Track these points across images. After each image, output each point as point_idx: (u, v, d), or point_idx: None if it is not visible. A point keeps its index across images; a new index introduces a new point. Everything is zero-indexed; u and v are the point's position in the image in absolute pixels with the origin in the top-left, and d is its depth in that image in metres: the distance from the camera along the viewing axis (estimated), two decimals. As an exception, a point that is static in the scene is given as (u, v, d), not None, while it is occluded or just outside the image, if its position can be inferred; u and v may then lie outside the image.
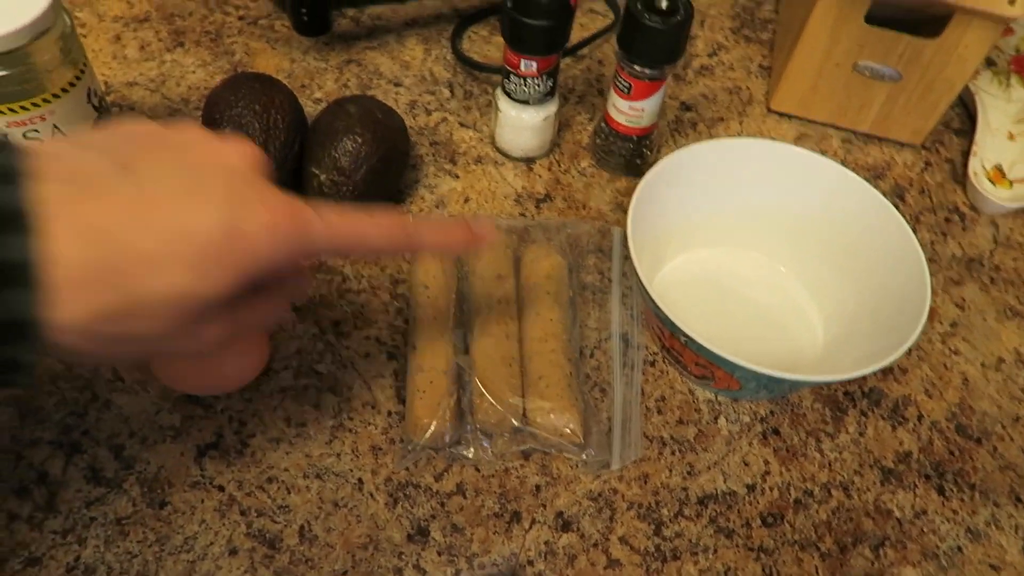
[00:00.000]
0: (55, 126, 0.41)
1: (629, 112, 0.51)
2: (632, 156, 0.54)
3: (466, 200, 0.53)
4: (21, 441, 0.40)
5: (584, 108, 0.59)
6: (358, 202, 0.47)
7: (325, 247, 0.31)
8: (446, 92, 0.58)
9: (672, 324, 0.39)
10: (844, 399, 0.46)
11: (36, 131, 0.40)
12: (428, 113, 0.57)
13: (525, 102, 0.51)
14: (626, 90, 0.50)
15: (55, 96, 0.40)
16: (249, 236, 0.27)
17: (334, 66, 0.59)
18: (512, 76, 0.50)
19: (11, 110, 0.39)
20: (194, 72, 0.57)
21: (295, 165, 0.49)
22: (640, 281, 0.41)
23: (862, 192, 0.46)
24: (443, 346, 0.43)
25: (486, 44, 0.62)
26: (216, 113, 0.47)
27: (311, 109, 0.54)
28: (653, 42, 0.46)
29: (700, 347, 0.39)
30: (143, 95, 0.55)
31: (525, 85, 0.50)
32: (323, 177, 0.47)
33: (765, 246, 0.51)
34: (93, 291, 0.25)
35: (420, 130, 0.56)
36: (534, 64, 0.48)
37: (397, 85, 0.58)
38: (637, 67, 0.48)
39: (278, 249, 0.28)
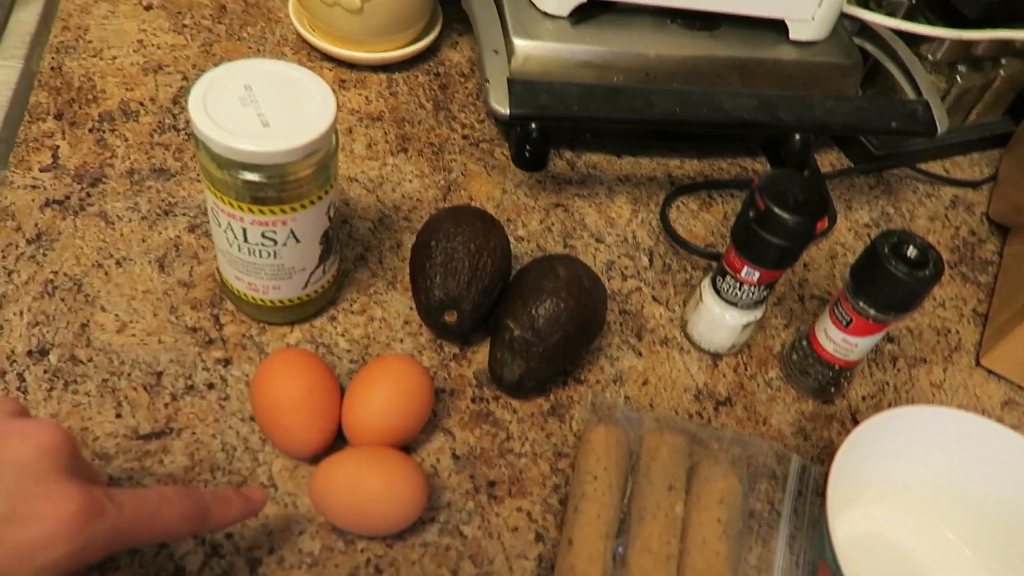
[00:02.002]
0: (292, 231, 0.42)
1: (841, 343, 0.48)
2: (826, 383, 0.51)
3: (645, 382, 0.51)
4: (168, 527, 0.40)
5: (781, 312, 0.56)
6: (545, 364, 0.46)
7: (121, 529, 0.29)
8: (645, 260, 0.57)
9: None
10: None
11: (274, 231, 0.41)
12: (624, 278, 0.56)
13: (733, 304, 0.49)
14: (845, 323, 0.47)
15: (302, 207, 0.41)
16: (28, 534, 0.27)
17: (542, 206, 0.59)
18: (728, 276, 0.48)
19: (260, 211, 0.40)
20: (411, 181, 0.58)
21: (490, 310, 0.48)
22: (832, 550, 0.37)
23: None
24: (601, 551, 0.40)
25: (694, 219, 0.61)
26: (432, 239, 0.48)
27: (513, 246, 0.54)
28: (892, 289, 0.44)
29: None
30: (359, 193, 0.56)
31: (739, 289, 0.48)
32: (516, 332, 0.46)
33: (953, 523, 0.46)
34: None
35: (613, 294, 0.55)
36: (757, 274, 0.47)
37: (599, 241, 0.58)
38: (864, 305, 0.46)
39: (69, 540, 0.28)
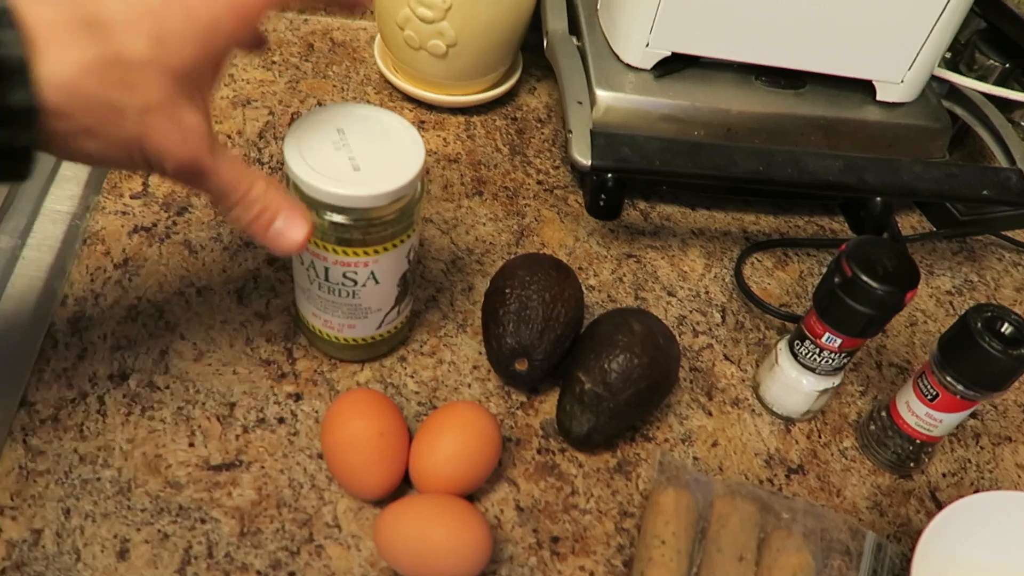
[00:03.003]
0: (372, 273, 0.42)
1: (924, 418, 0.46)
2: (906, 457, 0.49)
3: (714, 444, 0.49)
4: (234, 561, 0.40)
5: (858, 378, 0.55)
6: (614, 420, 0.45)
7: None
8: (718, 316, 0.56)
9: None
10: None
11: (355, 272, 0.42)
12: (695, 334, 0.55)
13: (811, 369, 0.48)
14: (930, 397, 0.45)
15: (384, 249, 0.41)
16: (197, 8, 0.30)
17: (614, 256, 0.59)
18: (807, 341, 0.47)
19: (344, 252, 0.40)
20: (484, 224, 0.58)
21: (560, 361, 0.48)
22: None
23: None
24: (666, 621, 0.39)
25: (768, 276, 0.60)
26: (507, 285, 0.47)
27: (584, 295, 0.53)
28: (983, 367, 0.42)
29: None
30: (434, 234, 0.57)
31: (818, 355, 0.47)
32: (588, 385, 0.45)
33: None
34: (75, 46, 0.27)
35: (683, 350, 0.54)
36: (839, 341, 0.45)
37: (671, 294, 0.57)
38: (952, 381, 0.44)
39: (232, 8, 0.31)
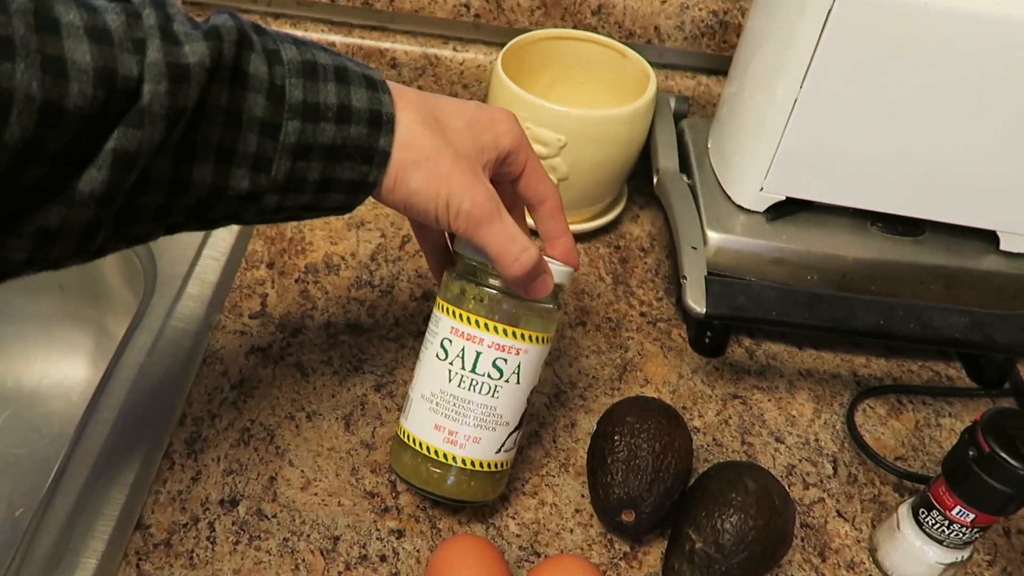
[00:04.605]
0: (519, 366, 0.44)
1: (1068, 607, 0.43)
2: (1044, 644, 0.45)
3: (829, 612, 0.46)
4: None
5: (984, 546, 0.51)
6: (725, 584, 0.43)
7: (528, 156, 0.43)
8: (829, 468, 0.54)
9: None
10: None
11: (505, 359, 0.43)
12: (806, 486, 0.53)
13: (938, 541, 0.45)
14: (1075, 585, 0.42)
15: (537, 340, 0.44)
16: (495, 118, 0.41)
17: (719, 396, 0.57)
18: (935, 512, 0.44)
19: (503, 330, 0.43)
20: (587, 357, 0.58)
21: (668, 513, 0.46)
22: None
23: None
24: None
25: (882, 424, 0.57)
26: (615, 432, 0.47)
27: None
28: None
29: None
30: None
31: (947, 528, 0.44)
32: (698, 545, 0.44)
33: None
34: (418, 110, 0.39)
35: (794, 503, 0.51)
36: (972, 516, 0.43)
37: (779, 441, 0.55)
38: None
39: (513, 131, 0.41)
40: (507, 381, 0.44)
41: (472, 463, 0.45)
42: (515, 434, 0.46)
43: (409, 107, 0.39)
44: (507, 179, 0.43)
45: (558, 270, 0.44)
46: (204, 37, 0.32)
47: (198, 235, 0.60)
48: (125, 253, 0.61)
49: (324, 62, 0.37)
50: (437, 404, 0.44)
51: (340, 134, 0.36)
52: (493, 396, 0.44)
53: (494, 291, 0.43)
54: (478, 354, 0.43)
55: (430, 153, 0.38)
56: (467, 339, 0.43)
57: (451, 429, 0.44)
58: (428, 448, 0.45)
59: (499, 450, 0.45)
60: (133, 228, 0.34)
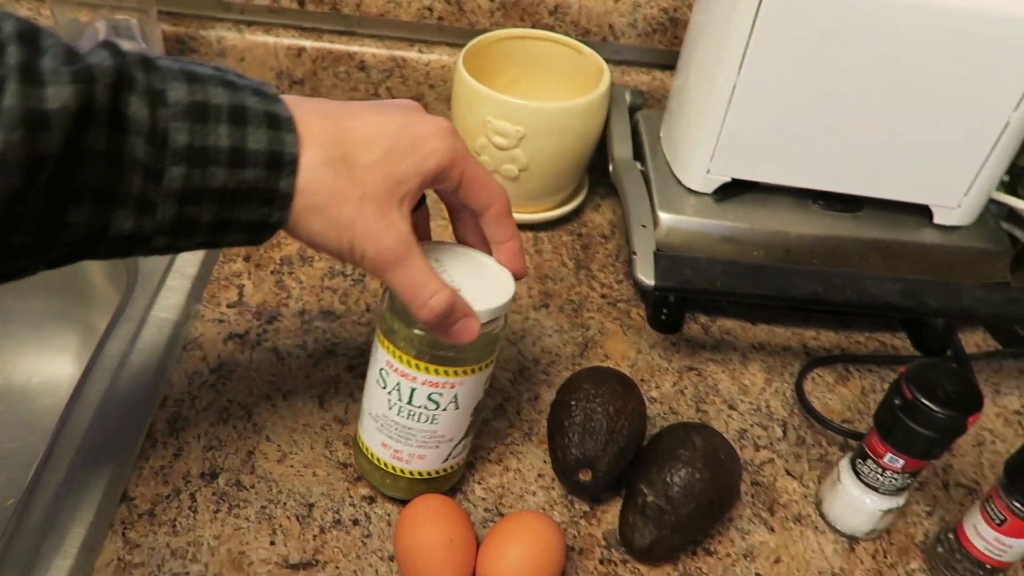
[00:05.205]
0: (456, 396, 0.44)
1: (993, 543, 0.46)
2: (976, 583, 0.48)
3: (777, 560, 0.49)
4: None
5: (924, 498, 0.54)
6: (676, 533, 0.46)
7: (464, 168, 0.40)
8: (779, 431, 0.57)
9: None
10: None
11: (440, 393, 0.43)
12: (756, 448, 0.56)
13: (874, 488, 0.48)
14: (998, 521, 0.45)
15: (471, 371, 0.43)
16: (420, 136, 0.38)
17: (675, 369, 0.61)
18: (870, 460, 0.48)
19: (435, 370, 0.42)
20: (550, 336, 0.61)
21: (623, 471, 0.49)
22: None
23: None
24: None
25: (830, 392, 0.61)
26: (572, 398, 0.50)
27: (646, 407, 0.55)
28: (1051, 493, 0.42)
29: None
30: (504, 345, 0.60)
31: (881, 475, 0.47)
32: (650, 498, 0.47)
33: None
34: (323, 149, 0.36)
35: (745, 464, 0.55)
36: (901, 462, 0.46)
37: (732, 408, 0.58)
38: (1020, 506, 0.44)
39: (442, 148, 0.38)
40: (444, 410, 0.44)
41: (421, 473, 0.47)
42: (463, 442, 0.47)
43: (314, 146, 0.36)
44: (445, 194, 0.42)
45: (487, 309, 0.41)
46: (72, 79, 0.30)
47: (177, 231, 0.63)
48: (108, 251, 0.64)
49: (218, 102, 0.34)
50: (382, 426, 0.46)
51: (233, 178, 0.35)
52: (432, 423, 0.45)
53: (422, 333, 0.42)
54: (412, 389, 0.43)
55: (331, 199, 0.36)
56: (401, 375, 0.43)
57: (396, 448, 0.46)
58: (379, 460, 0.47)
59: (446, 459, 0.47)
60: (6, 264, 0.34)
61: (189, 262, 0.61)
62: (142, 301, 0.58)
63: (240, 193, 0.35)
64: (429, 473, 0.47)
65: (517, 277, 0.44)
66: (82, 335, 0.71)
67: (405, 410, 0.44)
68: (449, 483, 0.49)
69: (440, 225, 0.49)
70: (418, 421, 0.45)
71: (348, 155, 0.37)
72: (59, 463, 0.48)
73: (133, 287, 0.59)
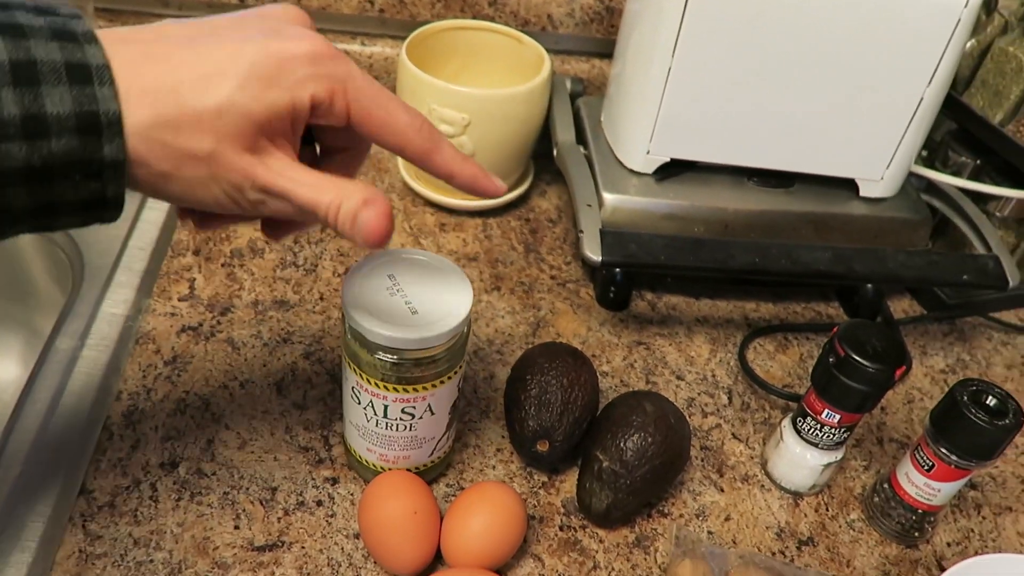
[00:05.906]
0: (429, 406, 0.45)
1: (923, 488, 0.49)
2: (910, 527, 0.51)
3: (727, 518, 0.52)
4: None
5: (861, 454, 0.58)
6: (632, 496, 0.48)
7: (355, 87, 0.33)
8: (724, 398, 0.60)
9: None
10: None
11: (413, 407, 0.44)
12: (704, 415, 0.58)
13: (814, 444, 0.51)
14: (927, 468, 0.48)
15: (441, 383, 0.44)
16: (289, 57, 0.31)
17: (625, 344, 0.63)
18: (809, 418, 0.50)
19: (404, 389, 0.43)
20: (503, 318, 0.63)
21: (579, 441, 0.51)
22: None
23: None
24: None
25: (771, 359, 0.64)
26: (527, 373, 0.51)
27: (599, 380, 0.57)
28: (972, 437, 0.45)
29: None
30: (457, 327, 0.61)
31: (819, 431, 0.50)
32: (605, 464, 0.48)
33: None
34: (155, 103, 0.29)
35: (694, 430, 0.57)
36: (837, 417, 0.49)
37: (679, 378, 0.61)
38: (945, 451, 0.47)
39: (318, 73, 0.32)
40: (421, 419, 0.45)
41: (409, 468, 0.48)
42: (445, 436, 0.48)
43: (141, 97, 0.29)
44: (338, 133, 0.36)
45: (448, 329, 0.41)
46: None
47: (123, 227, 0.62)
48: (50, 250, 0.63)
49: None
50: (364, 434, 0.47)
51: (37, 153, 0.28)
52: (411, 430, 0.46)
53: (385, 359, 0.42)
54: (385, 406, 0.44)
55: (179, 161, 0.31)
56: (372, 395, 0.44)
57: (381, 452, 0.47)
58: (366, 461, 0.48)
59: (432, 454, 0.49)
60: None
61: (137, 257, 0.61)
62: (90, 298, 0.57)
63: (52, 169, 0.29)
64: (418, 467, 0.49)
65: (491, 196, 0.39)
66: (25, 336, 0.69)
67: (383, 423, 0.45)
68: (439, 470, 0.51)
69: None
70: (397, 430, 0.46)
71: (188, 100, 0.30)
72: (12, 460, 0.47)
73: (80, 284, 0.58)
